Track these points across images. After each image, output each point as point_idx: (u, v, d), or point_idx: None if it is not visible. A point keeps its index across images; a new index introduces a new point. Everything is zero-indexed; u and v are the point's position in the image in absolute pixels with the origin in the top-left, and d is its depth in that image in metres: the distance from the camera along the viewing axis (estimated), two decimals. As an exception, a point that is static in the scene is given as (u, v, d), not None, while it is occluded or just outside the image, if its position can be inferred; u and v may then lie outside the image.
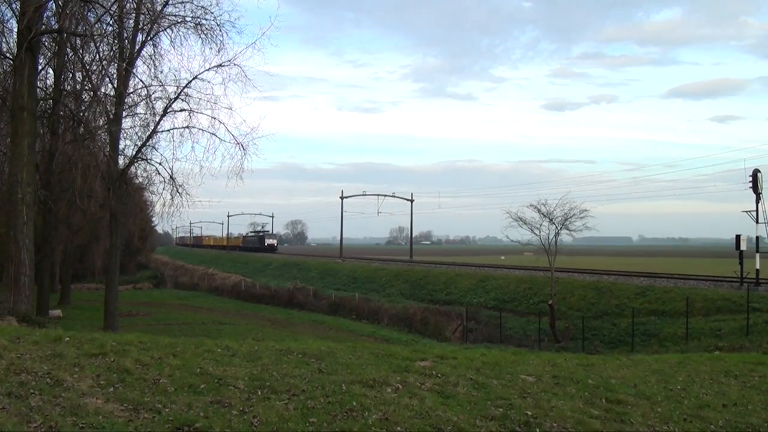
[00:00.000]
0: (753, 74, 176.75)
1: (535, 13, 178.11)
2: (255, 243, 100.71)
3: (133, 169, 23.23)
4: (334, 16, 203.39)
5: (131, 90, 21.39)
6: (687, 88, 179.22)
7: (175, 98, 20.59)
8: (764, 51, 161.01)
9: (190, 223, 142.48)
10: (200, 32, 19.99)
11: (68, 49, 21.50)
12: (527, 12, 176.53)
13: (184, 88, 20.53)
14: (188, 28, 20.15)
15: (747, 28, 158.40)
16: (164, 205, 21.52)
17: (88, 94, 23.31)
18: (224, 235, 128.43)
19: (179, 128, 20.81)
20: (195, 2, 20.04)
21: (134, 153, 22.16)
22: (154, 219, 55.62)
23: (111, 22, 19.49)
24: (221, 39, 20.01)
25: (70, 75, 24.03)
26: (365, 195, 75.69)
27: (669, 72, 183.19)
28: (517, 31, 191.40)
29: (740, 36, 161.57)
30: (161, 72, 20.89)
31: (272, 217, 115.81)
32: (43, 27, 17.54)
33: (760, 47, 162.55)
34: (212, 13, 20.01)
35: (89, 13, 18.01)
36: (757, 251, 27.72)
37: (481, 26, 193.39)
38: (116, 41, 20.21)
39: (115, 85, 20.86)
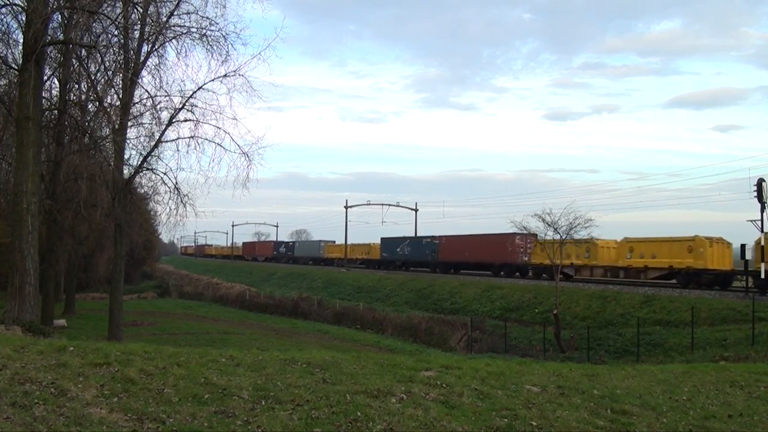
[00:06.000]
0: (754, 84, 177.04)
1: (535, 25, 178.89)
2: None
3: (138, 178, 23.29)
4: (336, 28, 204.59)
5: (136, 100, 21.45)
6: (689, 97, 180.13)
7: (180, 108, 20.62)
8: (764, 61, 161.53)
9: (195, 233, 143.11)
10: (205, 43, 20.03)
11: (74, 60, 21.64)
12: (528, 23, 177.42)
13: (189, 98, 20.57)
14: (193, 39, 20.22)
15: (747, 39, 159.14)
16: (169, 215, 21.51)
17: (94, 105, 23.47)
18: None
19: (184, 138, 20.81)
20: (200, 13, 20.11)
21: (139, 163, 22.18)
22: (158, 228, 55.67)
23: (116, 33, 19.63)
24: (226, 50, 20.04)
25: (76, 85, 24.14)
26: (369, 204, 75.67)
27: (670, 82, 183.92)
28: (518, 42, 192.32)
29: (740, 46, 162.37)
30: (166, 82, 20.94)
31: (276, 226, 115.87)
32: (49, 38, 17.66)
33: (761, 57, 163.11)
34: (217, 24, 20.08)
35: (95, 24, 18.16)
36: (762, 260, 27.61)
37: (482, 37, 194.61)
38: (121, 52, 20.30)
39: (121, 96, 20.92)
